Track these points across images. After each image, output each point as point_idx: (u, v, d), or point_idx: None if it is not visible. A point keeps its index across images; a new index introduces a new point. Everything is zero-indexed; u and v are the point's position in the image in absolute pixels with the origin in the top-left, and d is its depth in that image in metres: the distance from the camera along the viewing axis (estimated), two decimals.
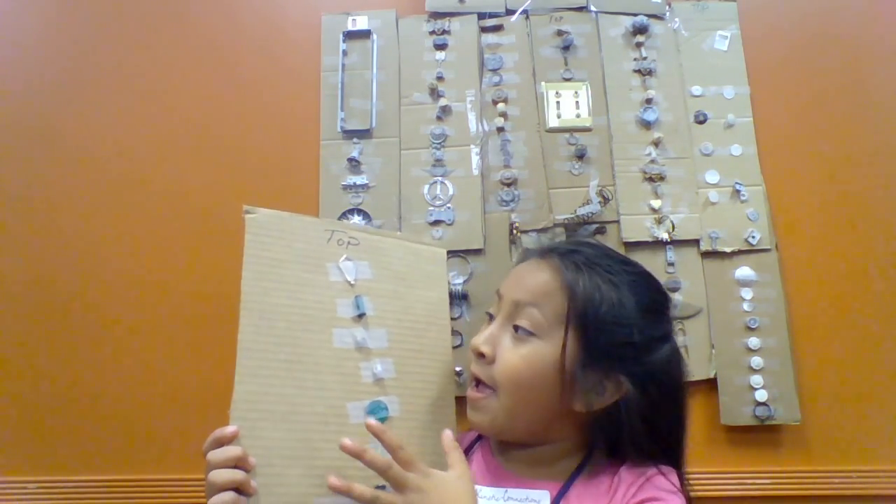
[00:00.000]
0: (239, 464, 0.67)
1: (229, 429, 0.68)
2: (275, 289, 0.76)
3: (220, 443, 0.68)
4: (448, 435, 0.73)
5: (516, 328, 0.74)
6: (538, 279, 0.74)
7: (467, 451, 0.84)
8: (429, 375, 0.82)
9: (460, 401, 0.82)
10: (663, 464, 0.73)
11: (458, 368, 0.80)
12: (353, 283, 0.80)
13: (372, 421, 0.69)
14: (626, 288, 0.73)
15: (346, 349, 0.77)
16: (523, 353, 0.72)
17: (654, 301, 0.76)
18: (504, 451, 0.80)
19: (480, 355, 0.75)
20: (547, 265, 0.75)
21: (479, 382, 0.76)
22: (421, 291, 0.84)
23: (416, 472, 0.66)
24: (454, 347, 1.20)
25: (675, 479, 0.72)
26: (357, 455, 0.66)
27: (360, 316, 0.79)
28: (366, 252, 0.82)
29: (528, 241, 1.26)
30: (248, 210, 0.78)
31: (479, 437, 0.85)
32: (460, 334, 1.23)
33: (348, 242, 0.81)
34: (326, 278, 0.79)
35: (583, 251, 0.77)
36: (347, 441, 0.66)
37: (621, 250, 1.26)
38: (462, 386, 0.81)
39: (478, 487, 0.78)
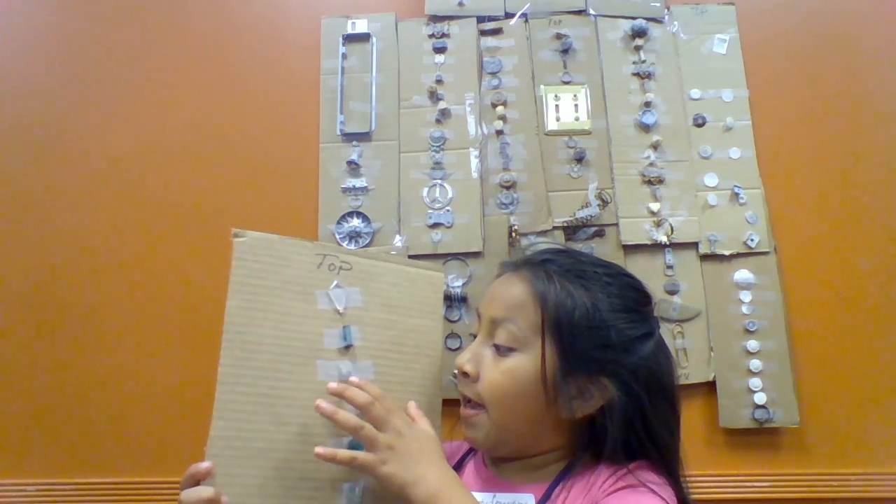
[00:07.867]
0: None
1: (203, 465, 0.68)
2: (260, 318, 0.73)
3: (195, 479, 0.68)
4: (413, 405, 0.75)
5: (496, 347, 0.74)
6: (510, 293, 0.75)
7: (461, 461, 0.85)
8: None
9: (449, 404, 0.82)
10: (648, 462, 0.73)
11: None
12: (342, 311, 0.77)
13: (332, 385, 0.70)
14: (600, 291, 0.73)
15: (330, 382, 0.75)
16: (505, 368, 0.73)
17: (630, 300, 0.76)
18: (496, 461, 0.81)
19: (465, 374, 0.75)
20: (518, 278, 0.76)
21: (468, 400, 0.77)
22: (414, 320, 0.82)
23: (389, 430, 0.68)
24: (454, 350, 1.22)
25: (650, 475, 0.71)
26: (329, 416, 0.67)
27: (348, 347, 0.77)
28: (357, 278, 0.79)
29: (526, 242, 1.26)
30: (236, 233, 0.74)
31: (472, 449, 0.86)
32: (459, 336, 1.24)
33: (340, 267, 0.79)
34: (315, 307, 0.76)
35: (555, 260, 0.77)
36: (322, 403, 0.68)
37: (620, 253, 1.27)
38: (451, 389, 0.81)
39: None
